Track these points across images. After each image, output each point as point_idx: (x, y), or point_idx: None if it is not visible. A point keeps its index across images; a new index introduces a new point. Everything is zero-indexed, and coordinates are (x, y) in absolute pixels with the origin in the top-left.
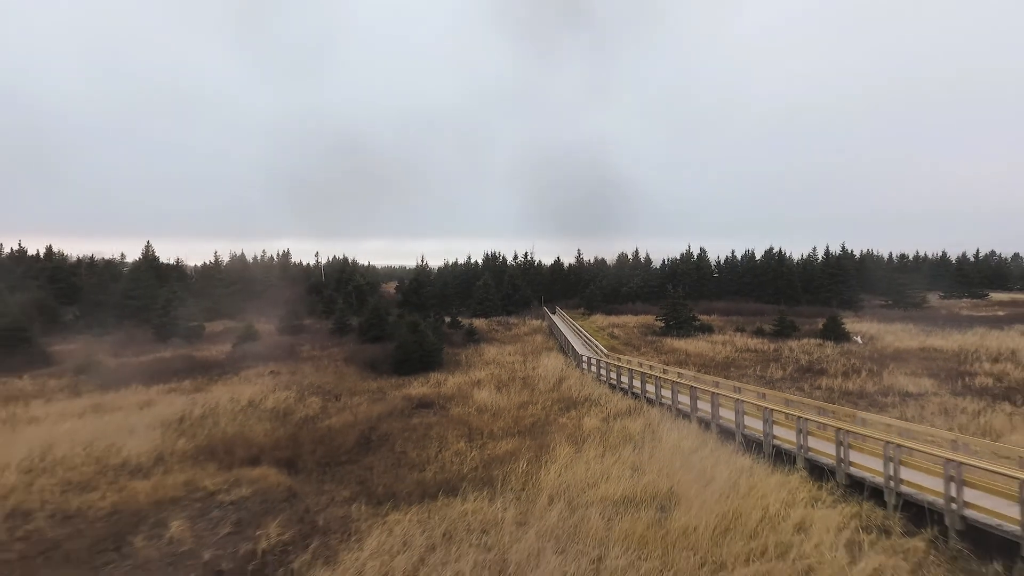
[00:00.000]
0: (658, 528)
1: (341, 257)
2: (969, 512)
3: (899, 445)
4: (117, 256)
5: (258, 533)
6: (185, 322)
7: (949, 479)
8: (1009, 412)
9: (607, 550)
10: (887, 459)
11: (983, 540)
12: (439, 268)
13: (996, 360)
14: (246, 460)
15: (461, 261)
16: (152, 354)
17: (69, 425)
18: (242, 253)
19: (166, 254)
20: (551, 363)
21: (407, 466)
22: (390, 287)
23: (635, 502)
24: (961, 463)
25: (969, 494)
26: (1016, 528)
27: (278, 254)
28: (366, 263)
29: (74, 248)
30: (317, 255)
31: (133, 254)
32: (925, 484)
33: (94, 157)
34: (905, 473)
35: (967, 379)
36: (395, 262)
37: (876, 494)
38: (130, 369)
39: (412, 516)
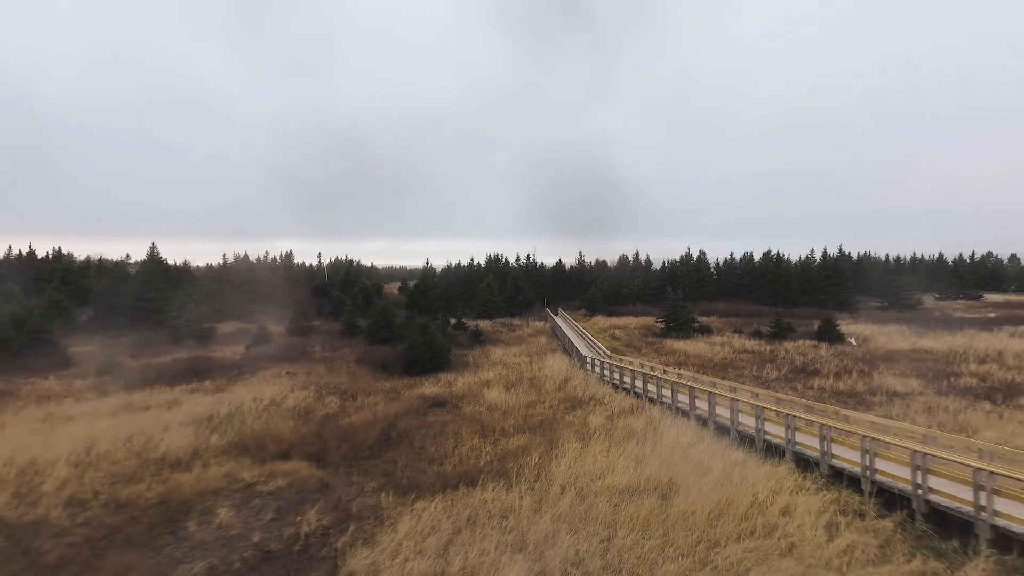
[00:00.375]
0: (660, 512)
1: (343, 258)
2: (933, 497)
3: (874, 439)
4: (120, 256)
5: (299, 519)
6: (198, 324)
7: (916, 468)
8: (988, 410)
9: (615, 531)
10: (864, 451)
11: (944, 521)
12: (442, 269)
13: (983, 361)
14: (277, 455)
15: (463, 261)
16: (169, 355)
17: (106, 423)
18: (245, 254)
19: (167, 254)
20: (556, 364)
21: (427, 460)
22: (392, 288)
23: (639, 491)
24: (926, 453)
25: (933, 481)
26: (971, 510)
27: (281, 255)
28: (368, 264)
29: (76, 248)
30: (320, 256)
31: (135, 253)
32: (897, 473)
33: (95, 157)
34: (879, 464)
35: (952, 379)
36: (396, 262)
37: (854, 482)
38: (151, 370)
39: (437, 504)
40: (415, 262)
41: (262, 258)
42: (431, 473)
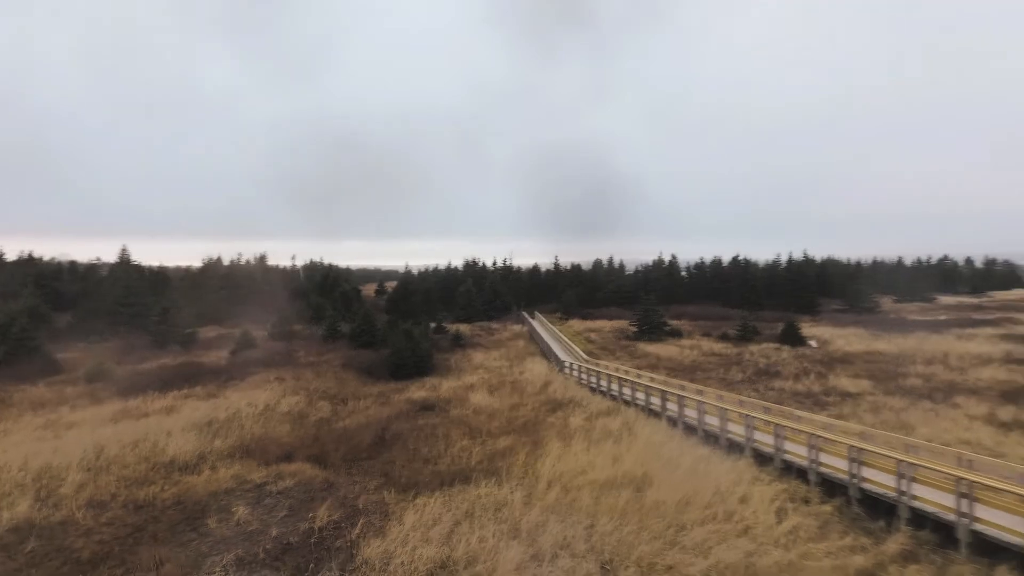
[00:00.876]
0: (635, 503)
1: (319, 259)
2: (865, 485)
3: (819, 436)
4: (87, 257)
5: (311, 515)
6: (180, 329)
7: (852, 460)
8: (927, 409)
9: (597, 519)
10: (810, 447)
11: (874, 505)
12: (420, 272)
13: (929, 363)
14: (280, 457)
15: (440, 263)
16: (154, 361)
17: (109, 430)
18: (219, 257)
19: (137, 254)
20: (535, 368)
21: (422, 460)
22: (369, 289)
23: (616, 484)
24: (861, 448)
25: (866, 472)
26: (895, 495)
27: (254, 257)
28: (343, 265)
29: (37, 247)
30: (294, 258)
31: (100, 252)
32: (837, 465)
33: (62, 155)
34: (823, 458)
35: (900, 380)
36: (370, 263)
37: (802, 474)
38: (140, 376)
39: (436, 500)
40: (390, 263)
41: (236, 260)
42: (427, 472)
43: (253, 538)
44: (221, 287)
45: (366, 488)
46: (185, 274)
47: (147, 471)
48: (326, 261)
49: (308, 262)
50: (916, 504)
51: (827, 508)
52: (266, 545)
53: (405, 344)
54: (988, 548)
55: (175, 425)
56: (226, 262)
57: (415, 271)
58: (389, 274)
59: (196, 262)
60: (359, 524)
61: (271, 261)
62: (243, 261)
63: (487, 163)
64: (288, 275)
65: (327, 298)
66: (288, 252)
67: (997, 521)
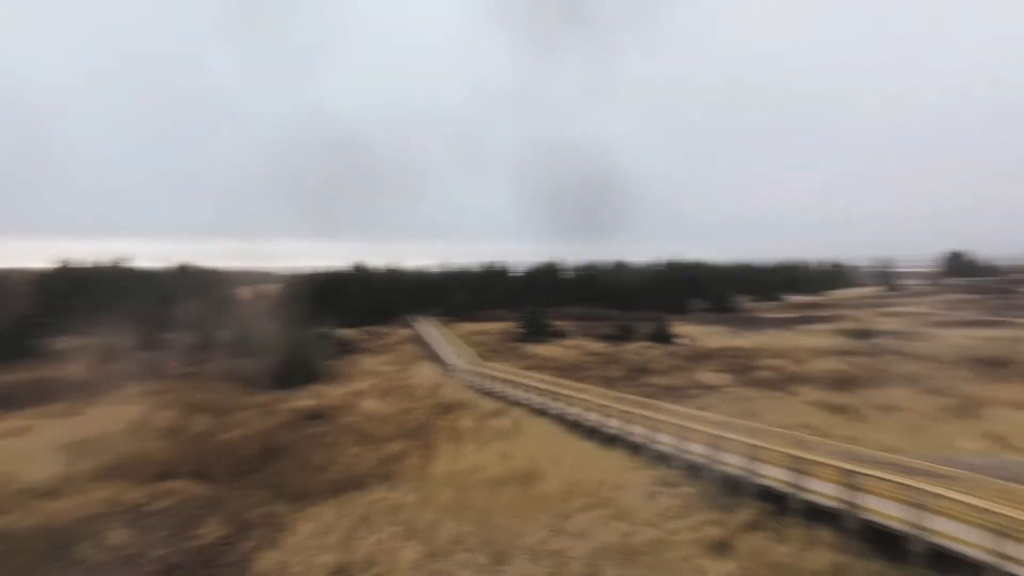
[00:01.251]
0: (524, 496)
1: (189, 261)
2: (720, 467)
3: (682, 426)
4: None
5: (198, 532)
6: (29, 339)
7: (710, 446)
8: (776, 398)
9: (489, 514)
10: (677, 437)
11: (730, 484)
12: (304, 274)
13: (777, 356)
14: (157, 475)
15: (323, 264)
16: None
17: None
18: (69, 259)
19: None
20: (425, 372)
21: (312, 469)
22: (246, 293)
23: (507, 480)
24: (718, 436)
25: (723, 455)
26: (745, 474)
27: (115, 258)
28: (215, 266)
29: None
30: (165, 259)
31: None
32: (699, 451)
33: None
34: (688, 445)
35: (753, 373)
36: (243, 263)
37: (670, 460)
38: None
39: (330, 507)
40: (265, 263)
41: (96, 262)
42: (318, 481)
43: (132, 562)
44: (73, 291)
45: (255, 501)
46: (34, 277)
47: None
48: (197, 263)
49: (178, 264)
50: (760, 481)
51: (691, 489)
52: (147, 568)
53: (289, 351)
54: (815, 513)
55: (29, 448)
56: (79, 264)
57: (297, 273)
58: (270, 276)
59: (44, 263)
60: (252, 538)
61: (136, 263)
62: (100, 261)
63: (383, 164)
64: (155, 278)
65: (201, 302)
66: (154, 253)
67: (822, 490)
